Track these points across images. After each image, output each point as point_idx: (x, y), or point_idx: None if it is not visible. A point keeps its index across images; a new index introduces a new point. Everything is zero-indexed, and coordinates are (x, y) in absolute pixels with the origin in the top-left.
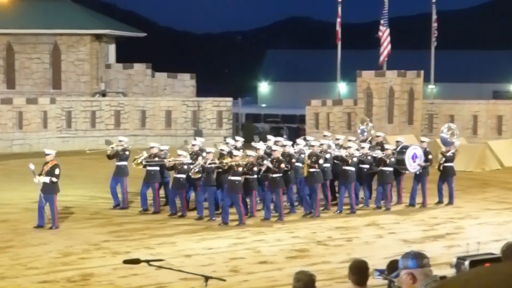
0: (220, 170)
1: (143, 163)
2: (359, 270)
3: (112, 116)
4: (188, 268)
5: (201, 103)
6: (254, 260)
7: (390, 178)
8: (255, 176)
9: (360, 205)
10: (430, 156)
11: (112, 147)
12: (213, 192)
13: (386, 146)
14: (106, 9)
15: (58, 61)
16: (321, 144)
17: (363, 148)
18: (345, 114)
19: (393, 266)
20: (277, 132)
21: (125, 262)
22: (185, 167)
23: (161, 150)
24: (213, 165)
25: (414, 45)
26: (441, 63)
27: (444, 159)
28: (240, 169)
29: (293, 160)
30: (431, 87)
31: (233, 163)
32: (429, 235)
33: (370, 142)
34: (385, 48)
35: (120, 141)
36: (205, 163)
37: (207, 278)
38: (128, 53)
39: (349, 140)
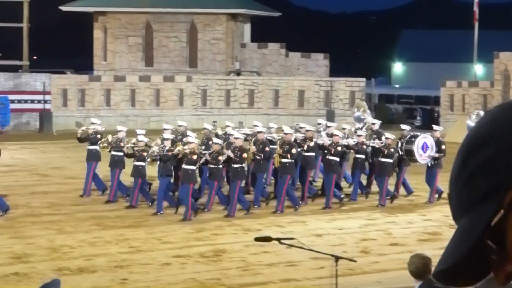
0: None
1: (108, 147)
2: None
3: (246, 95)
4: (318, 248)
5: (334, 83)
6: (385, 242)
7: (389, 170)
8: (220, 166)
9: (346, 199)
10: (443, 147)
11: (83, 130)
12: (167, 182)
13: (387, 135)
14: None
15: (195, 39)
16: (307, 131)
17: (359, 136)
18: (481, 96)
19: None
20: (410, 114)
21: (257, 239)
22: (145, 154)
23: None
24: (169, 153)
25: None
26: None
27: None
28: (195, 157)
29: (267, 149)
30: None
31: (187, 151)
32: None
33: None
34: None
35: (92, 123)
36: (161, 150)
37: (337, 258)
38: (262, 33)
39: (343, 129)
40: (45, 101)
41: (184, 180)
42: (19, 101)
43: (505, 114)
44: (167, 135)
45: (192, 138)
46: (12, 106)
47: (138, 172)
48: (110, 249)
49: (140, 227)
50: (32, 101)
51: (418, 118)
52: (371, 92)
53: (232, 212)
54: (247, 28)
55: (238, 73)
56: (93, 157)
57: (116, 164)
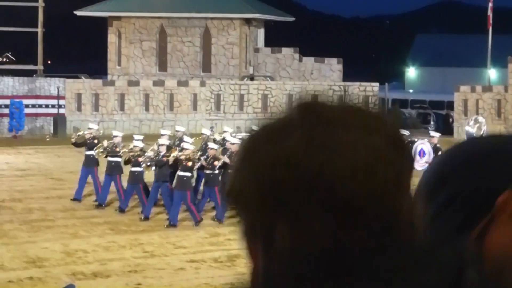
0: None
1: (104, 153)
2: None
3: (260, 99)
4: None
5: (348, 88)
6: None
7: None
8: (217, 171)
9: None
10: (440, 153)
11: (79, 135)
12: (166, 188)
13: None
14: None
15: (209, 44)
16: None
17: None
18: (495, 101)
19: None
20: (424, 119)
21: None
22: (140, 159)
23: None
24: (164, 159)
25: None
26: None
27: None
28: (190, 163)
29: None
30: None
31: (182, 157)
32: None
33: None
34: None
35: (89, 128)
36: (156, 156)
37: None
38: (276, 37)
39: None
40: (59, 106)
41: (179, 187)
42: (34, 106)
43: (458, 153)
44: (163, 140)
45: (188, 145)
46: (27, 110)
47: (135, 178)
48: (124, 253)
49: (154, 231)
50: (47, 106)
51: (432, 123)
52: (385, 96)
53: None
54: (261, 32)
55: (251, 78)
56: (92, 162)
57: (114, 170)
